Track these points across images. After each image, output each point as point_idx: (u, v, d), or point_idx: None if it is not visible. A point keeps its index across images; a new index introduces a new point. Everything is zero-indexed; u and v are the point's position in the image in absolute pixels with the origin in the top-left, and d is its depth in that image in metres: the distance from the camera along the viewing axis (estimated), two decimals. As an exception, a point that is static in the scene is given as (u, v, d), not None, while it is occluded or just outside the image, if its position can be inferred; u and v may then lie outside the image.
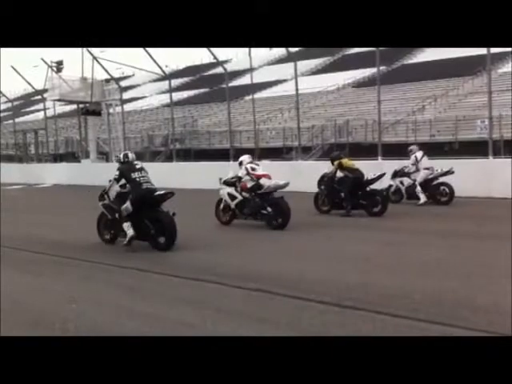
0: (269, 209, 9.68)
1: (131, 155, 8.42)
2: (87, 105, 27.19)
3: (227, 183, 10.15)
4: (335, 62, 48.35)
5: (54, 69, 35.29)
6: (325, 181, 11.53)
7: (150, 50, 23.79)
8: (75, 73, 31.31)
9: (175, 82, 41.14)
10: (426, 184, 12.60)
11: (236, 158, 21.14)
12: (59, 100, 29.55)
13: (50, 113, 33.20)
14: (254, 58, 46.76)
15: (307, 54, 46.28)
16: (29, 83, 30.12)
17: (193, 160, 25.92)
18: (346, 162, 11.53)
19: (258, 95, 32.80)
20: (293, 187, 12.87)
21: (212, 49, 22.12)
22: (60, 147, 35.73)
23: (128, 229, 7.72)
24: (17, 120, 37.50)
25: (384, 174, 11.47)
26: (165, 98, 41.99)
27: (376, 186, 11.42)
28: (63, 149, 35.69)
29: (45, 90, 30.89)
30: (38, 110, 45.61)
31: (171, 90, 26.89)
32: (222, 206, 10.32)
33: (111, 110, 27.76)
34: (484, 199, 12.91)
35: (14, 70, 29.46)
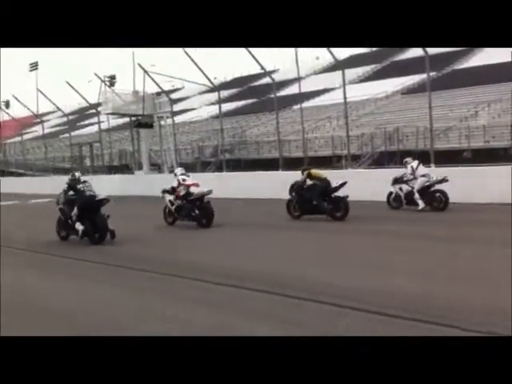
0: (197, 212, 11.87)
1: (77, 174, 11.10)
2: (139, 117, 27.87)
3: (167, 192, 12.50)
4: (383, 69, 47.82)
5: (107, 83, 36.41)
6: (295, 189, 12.76)
7: (198, 62, 24.27)
8: (127, 86, 32.25)
9: (224, 94, 41.65)
10: (424, 191, 13.32)
11: (285, 167, 21.30)
12: (112, 113, 30.40)
13: (104, 126, 34.29)
14: (301, 68, 46.82)
15: (354, 61, 46.04)
16: (83, 98, 31.22)
17: (243, 170, 26.15)
18: (314, 172, 12.86)
19: (305, 104, 32.77)
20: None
21: (259, 59, 22.36)
22: (114, 159, 36.67)
23: (79, 226, 10.08)
24: (72, 133, 38.83)
25: (345, 183, 12.32)
26: (213, 110, 42.60)
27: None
28: (117, 161, 36.63)
29: (99, 104, 31.90)
30: (92, 124, 47.10)
31: (220, 101, 27.28)
32: (167, 210, 12.64)
33: (162, 122, 28.37)
34: (485, 205, 13.29)
35: (69, 85, 30.59)
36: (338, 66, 24.94)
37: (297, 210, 12.70)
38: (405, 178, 13.71)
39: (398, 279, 6.19)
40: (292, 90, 41.63)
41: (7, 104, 52.03)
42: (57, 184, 28.64)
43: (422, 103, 28.20)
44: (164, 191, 12.61)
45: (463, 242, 8.78)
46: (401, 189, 13.79)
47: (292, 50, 25.80)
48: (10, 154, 46.66)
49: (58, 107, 35.46)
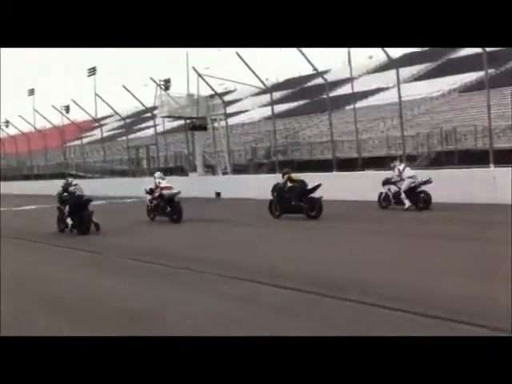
0: (169, 209, 14.19)
1: (70, 179, 13.71)
2: (194, 120, 28.32)
3: (148, 192, 14.82)
4: (438, 67, 46.71)
5: (163, 87, 37.14)
6: (276, 190, 13.98)
7: (251, 64, 24.47)
8: (182, 90, 32.87)
9: (276, 95, 41.76)
10: (410, 192, 14.27)
11: (338, 169, 21.17)
12: (168, 116, 30.99)
13: (159, 129, 35.05)
14: (354, 67, 46.32)
15: (409, 60, 45.16)
16: (140, 101, 32.02)
17: (295, 171, 26.15)
18: (293, 175, 14.06)
19: (358, 104, 32.45)
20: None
21: (311, 59, 22.34)
22: (169, 161, 37.41)
23: (69, 221, 12.45)
24: (129, 136, 39.85)
25: (320, 185, 13.40)
26: (266, 111, 42.76)
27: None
28: (172, 163, 37.34)
29: (154, 108, 32.65)
30: (148, 127, 48.19)
31: (273, 103, 27.37)
32: (148, 208, 14.87)
33: (216, 125, 28.73)
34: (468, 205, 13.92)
35: (126, 89, 31.44)
36: (392, 64, 24.58)
37: (277, 210, 13.84)
38: (393, 180, 14.77)
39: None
40: (344, 90, 41.28)
41: (67, 109, 54.00)
42: (114, 186, 29.57)
43: (480, 101, 27.43)
44: (146, 192, 15.06)
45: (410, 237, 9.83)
46: (389, 189, 14.87)
47: (344, 49, 25.63)
48: (70, 157, 48.36)
49: (115, 111, 36.48)
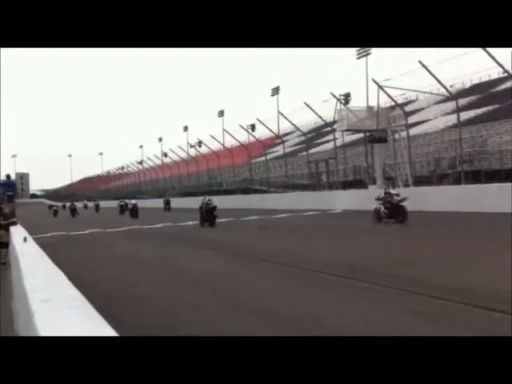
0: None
1: (206, 197, 20.87)
2: (373, 133, 28.14)
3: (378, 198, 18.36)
4: None
5: (342, 101, 37.53)
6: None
7: (434, 71, 23.60)
8: (361, 103, 32.88)
9: (461, 102, 39.55)
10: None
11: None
12: (347, 130, 31.25)
13: (338, 142, 35.42)
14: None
15: None
16: (320, 117, 32.79)
17: (484, 182, 24.48)
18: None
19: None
20: None
21: (501, 62, 20.84)
22: (348, 175, 37.61)
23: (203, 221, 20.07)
24: (310, 151, 40.92)
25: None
26: (451, 119, 40.74)
27: None
28: (351, 176, 37.49)
29: (334, 122, 33.14)
30: (327, 141, 49.01)
31: (458, 110, 26.03)
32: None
33: (396, 136, 28.17)
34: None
35: (307, 106, 32.47)
36: None
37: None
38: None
39: None
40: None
41: (253, 127, 57.18)
42: (292, 199, 30.48)
43: None
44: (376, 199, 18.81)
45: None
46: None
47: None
48: (255, 172, 51.12)
49: (296, 127, 37.81)
